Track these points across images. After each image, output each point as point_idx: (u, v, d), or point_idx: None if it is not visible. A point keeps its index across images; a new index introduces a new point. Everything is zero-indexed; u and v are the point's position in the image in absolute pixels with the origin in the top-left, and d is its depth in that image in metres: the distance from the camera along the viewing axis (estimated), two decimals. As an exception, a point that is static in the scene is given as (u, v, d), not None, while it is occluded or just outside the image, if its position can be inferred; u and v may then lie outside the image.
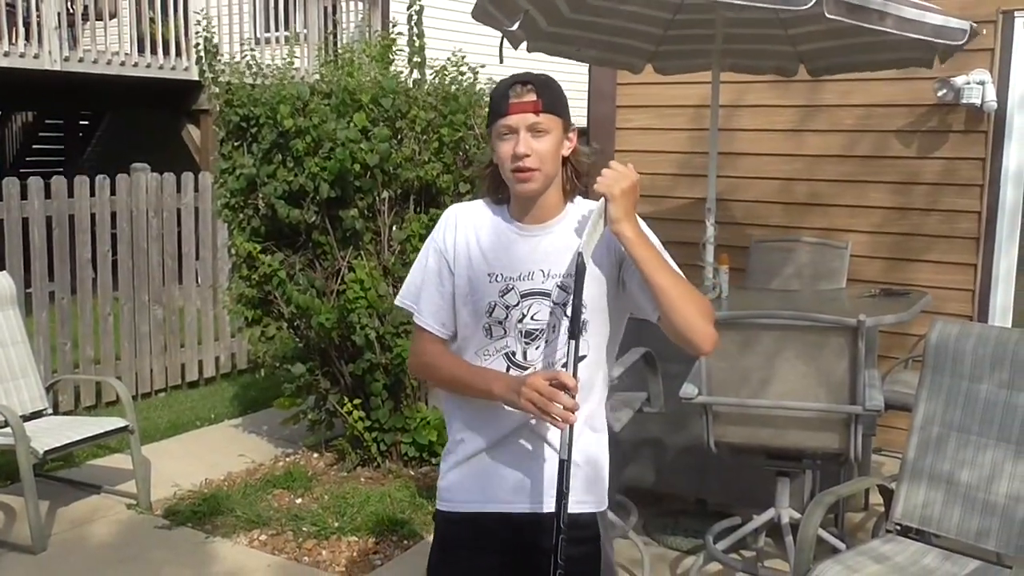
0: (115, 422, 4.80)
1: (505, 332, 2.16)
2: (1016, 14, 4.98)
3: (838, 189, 5.57)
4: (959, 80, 5.00)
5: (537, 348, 2.16)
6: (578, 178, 2.18)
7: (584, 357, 2.15)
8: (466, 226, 2.21)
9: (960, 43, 3.73)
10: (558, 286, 2.14)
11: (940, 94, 5.09)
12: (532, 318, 2.15)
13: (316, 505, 4.76)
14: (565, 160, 2.15)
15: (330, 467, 5.31)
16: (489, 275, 2.16)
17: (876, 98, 5.39)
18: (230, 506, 4.70)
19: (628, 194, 2.07)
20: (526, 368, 2.16)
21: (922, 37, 3.67)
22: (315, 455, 5.49)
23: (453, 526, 2.29)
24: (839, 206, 5.57)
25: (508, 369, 2.16)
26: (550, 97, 2.09)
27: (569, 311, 2.10)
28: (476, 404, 2.20)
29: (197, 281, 7.10)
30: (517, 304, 2.15)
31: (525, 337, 2.16)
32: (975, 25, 3.74)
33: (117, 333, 6.54)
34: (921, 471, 3.26)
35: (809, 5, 3.33)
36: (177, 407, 6.49)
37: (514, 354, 2.17)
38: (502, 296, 2.15)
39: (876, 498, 4.16)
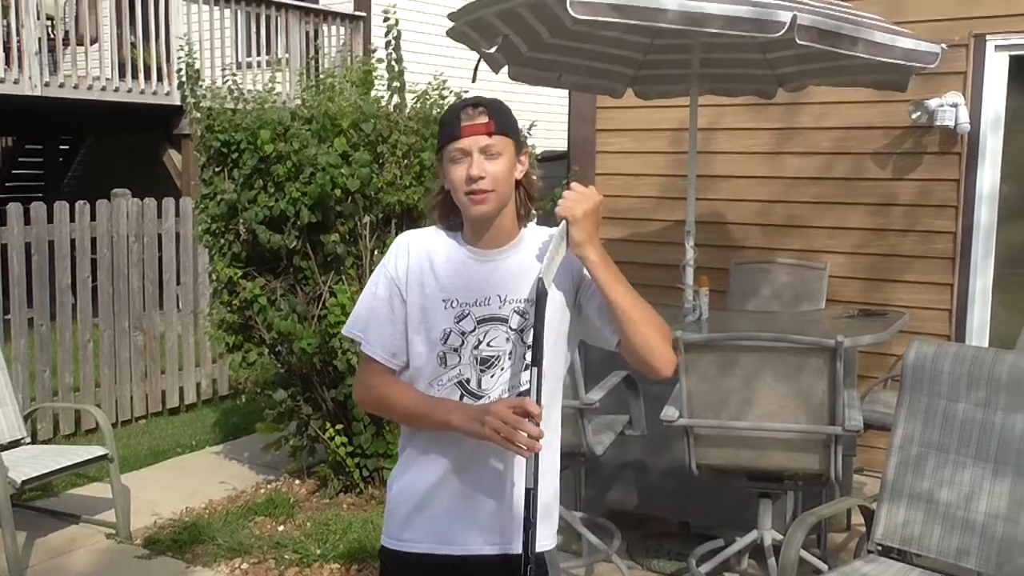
0: (94, 450, 4.76)
1: (460, 359, 2.10)
2: (988, 37, 5.06)
3: (816, 211, 5.62)
4: (933, 102, 5.07)
5: (492, 376, 2.11)
6: (531, 201, 2.15)
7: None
8: (419, 252, 2.15)
9: (932, 65, 3.79)
10: (515, 311, 2.10)
11: (914, 116, 5.16)
12: (488, 344, 2.10)
13: (298, 532, 4.73)
14: (518, 183, 2.12)
15: (312, 494, 5.28)
16: (444, 301, 2.11)
17: (852, 120, 5.46)
18: (211, 534, 4.67)
19: (591, 216, 2.04)
20: (480, 397, 2.11)
21: (893, 61, 3.72)
22: (297, 481, 5.46)
23: (404, 567, 2.22)
24: (817, 228, 5.62)
25: (462, 397, 2.11)
26: (502, 119, 2.07)
27: (526, 337, 2.08)
28: (431, 435, 2.13)
29: (178, 307, 7.08)
30: (473, 330, 2.10)
31: (480, 364, 2.11)
32: (945, 47, 3.80)
33: (97, 360, 6.50)
34: (901, 491, 3.27)
35: (781, 33, 3.38)
36: (158, 434, 6.45)
37: (468, 382, 2.11)
38: (457, 322, 2.10)
39: (858, 518, 4.17)
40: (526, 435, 1.94)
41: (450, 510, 2.14)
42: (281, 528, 4.80)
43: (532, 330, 2.03)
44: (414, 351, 2.14)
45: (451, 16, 4.15)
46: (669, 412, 3.70)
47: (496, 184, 2.04)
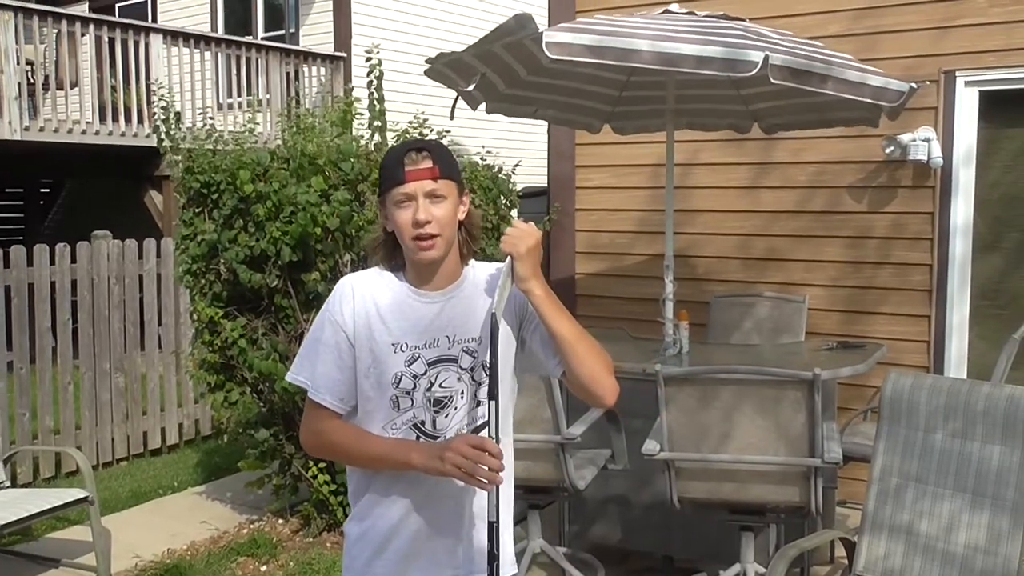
0: (74, 493, 4.72)
1: (413, 402, 2.11)
2: (957, 73, 5.15)
3: (794, 244, 5.68)
4: (905, 137, 5.15)
5: (447, 416, 2.13)
6: (473, 241, 2.17)
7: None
8: (364, 296, 2.13)
9: (898, 104, 3.86)
10: (464, 351, 2.12)
11: (888, 151, 5.23)
12: (440, 385, 2.12)
13: (281, 572, 4.70)
14: (460, 223, 2.13)
15: (295, 533, 5.25)
16: (393, 345, 2.10)
17: (827, 155, 5.53)
18: (192, 576, 4.64)
19: (533, 252, 2.07)
20: (436, 437, 2.12)
21: (862, 99, 3.79)
22: (280, 521, 5.42)
23: None
24: (795, 260, 5.67)
25: (417, 439, 2.12)
26: (445, 162, 2.08)
27: (477, 376, 2.11)
28: (389, 476, 2.13)
29: (160, 347, 7.06)
30: (424, 373, 2.11)
31: (434, 406, 2.12)
32: (915, 85, 3.87)
33: (77, 402, 6.47)
34: (881, 523, 3.29)
35: (753, 72, 3.44)
36: (139, 476, 6.40)
37: (423, 423, 2.12)
38: (408, 366, 2.10)
39: (841, 551, 4.18)
40: (487, 468, 1.96)
41: (411, 549, 2.15)
42: (264, 568, 4.77)
43: (488, 364, 2.06)
44: (364, 395, 2.13)
45: (428, 60, 4.21)
46: (650, 446, 3.72)
47: (442, 228, 2.06)
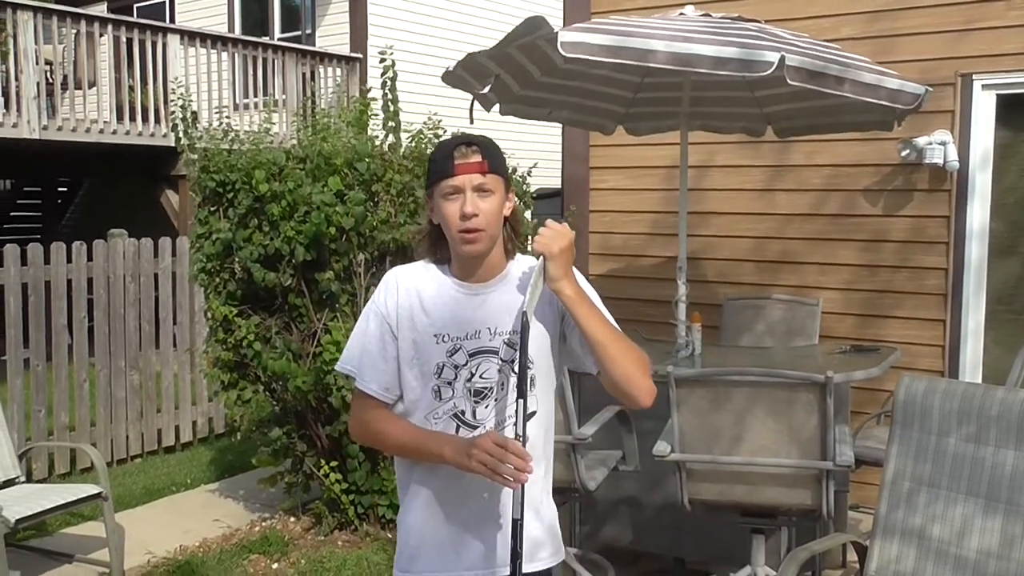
0: (88, 489, 4.75)
1: (454, 392, 2.16)
2: (974, 77, 5.12)
3: (808, 247, 5.66)
4: (921, 140, 5.13)
5: (487, 407, 2.17)
6: (517, 236, 2.22)
7: (534, 413, 2.18)
8: (408, 288, 2.19)
9: (913, 107, 3.85)
10: (505, 343, 2.16)
11: (903, 154, 5.21)
12: (481, 376, 2.16)
13: (292, 570, 4.71)
14: (505, 219, 2.18)
15: (307, 531, 5.27)
16: (435, 336, 2.15)
17: (842, 158, 5.51)
18: (205, 573, 4.66)
19: (566, 252, 2.11)
20: (476, 427, 2.16)
21: (878, 101, 3.78)
22: (292, 519, 5.44)
23: None
24: (810, 264, 5.66)
25: (458, 429, 2.16)
26: (494, 158, 2.12)
27: (516, 367, 2.13)
28: (427, 468, 2.19)
29: (174, 345, 7.09)
30: (465, 364, 2.15)
31: (474, 396, 2.16)
32: (930, 88, 3.86)
33: (93, 399, 6.51)
34: (893, 527, 3.27)
35: (769, 72, 3.43)
36: (153, 473, 6.44)
37: (463, 413, 2.17)
38: (450, 356, 2.15)
39: (853, 555, 4.16)
40: (511, 467, 1.99)
41: (453, 540, 2.20)
42: (275, 566, 4.78)
43: (518, 363, 2.09)
44: (408, 385, 2.18)
45: (446, 72, 4.25)
46: (661, 447, 3.71)
47: (488, 222, 2.10)
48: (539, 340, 2.16)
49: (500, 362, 2.16)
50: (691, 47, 3.52)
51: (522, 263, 2.23)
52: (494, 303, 2.17)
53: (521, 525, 2.03)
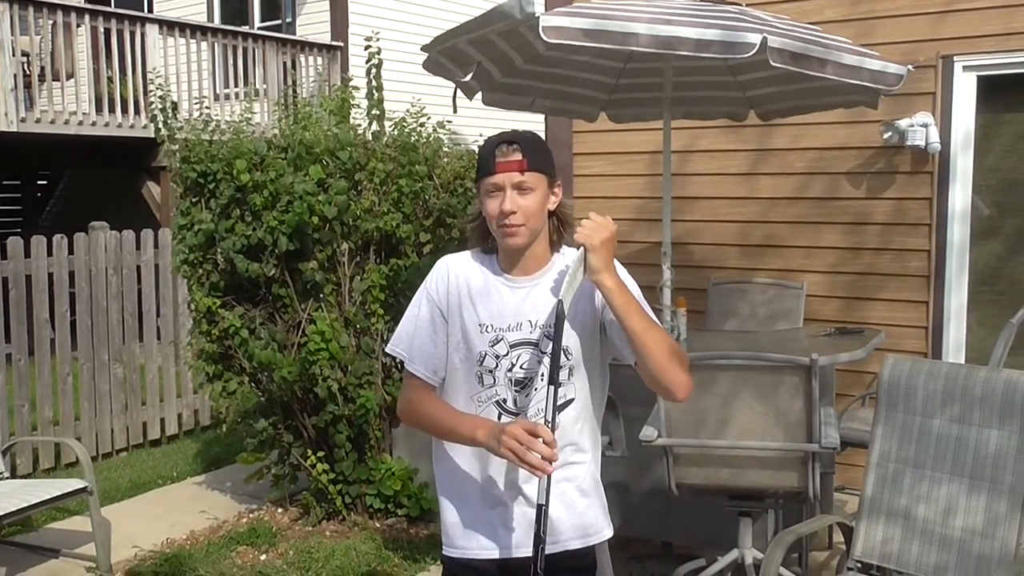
0: (73, 484, 4.72)
1: (495, 381, 2.25)
2: (955, 58, 5.13)
3: (792, 231, 5.67)
4: (903, 123, 5.14)
5: (527, 396, 2.24)
6: (564, 229, 2.27)
7: (571, 401, 2.24)
8: (457, 276, 2.28)
9: (896, 87, 3.85)
10: (545, 335, 2.22)
11: (885, 137, 5.22)
12: (521, 367, 2.23)
13: (281, 561, 4.71)
14: (551, 213, 2.25)
15: (295, 522, 5.26)
16: (480, 326, 2.24)
17: (825, 141, 5.52)
18: (192, 565, 4.64)
19: (607, 244, 2.15)
20: (517, 414, 2.24)
21: (861, 83, 3.78)
22: (279, 510, 5.43)
23: (455, 570, 2.37)
24: (794, 247, 5.67)
25: (500, 416, 2.24)
26: (535, 155, 2.20)
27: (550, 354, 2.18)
28: (466, 451, 2.27)
29: (158, 338, 7.05)
30: (507, 354, 2.23)
31: (515, 386, 2.24)
32: (911, 68, 3.86)
33: (76, 393, 6.47)
34: (879, 508, 3.29)
35: (751, 54, 3.43)
36: (138, 466, 6.41)
37: (505, 401, 2.24)
38: (492, 346, 2.23)
39: (840, 536, 4.18)
40: (538, 456, 2.04)
41: (489, 520, 2.29)
42: (264, 557, 4.77)
43: (570, 347, 2.19)
44: (452, 367, 2.29)
45: (425, 48, 4.19)
46: (648, 432, 3.72)
47: (527, 219, 2.18)
48: (579, 331, 2.23)
49: (540, 354, 2.23)
50: (673, 29, 3.51)
51: (567, 256, 2.29)
52: (537, 296, 2.24)
53: (546, 511, 2.09)
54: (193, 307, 5.27)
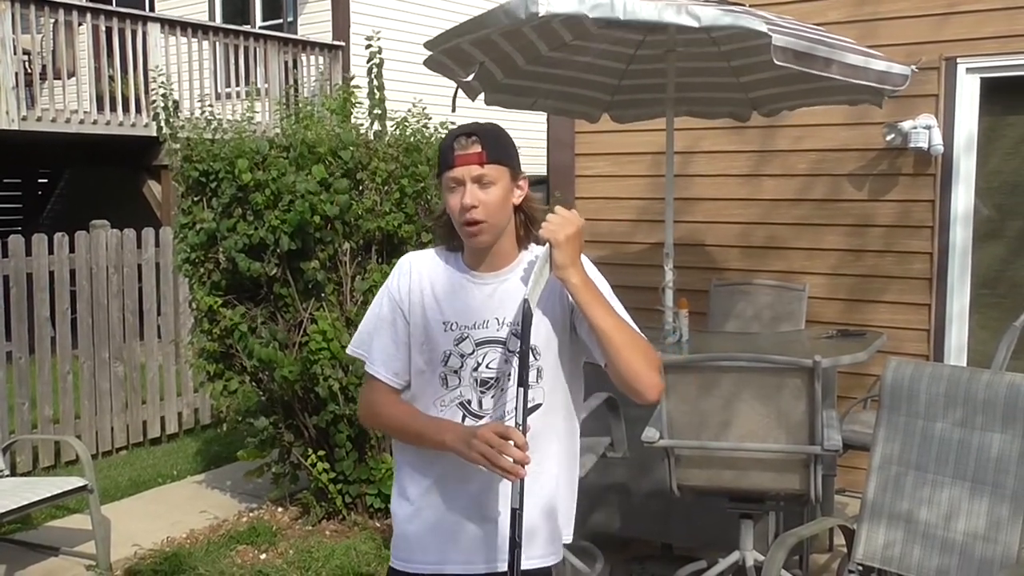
0: (73, 482, 4.71)
1: (460, 381, 2.15)
2: (959, 60, 5.13)
3: (795, 232, 5.67)
4: (906, 125, 5.13)
5: (493, 396, 2.15)
6: (531, 225, 2.18)
7: (539, 406, 2.14)
8: (420, 275, 2.20)
9: (902, 87, 3.85)
10: (513, 334, 2.14)
11: (888, 138, 5.21)
12: (487, 366, 2.15)
13: (281, 560, 4.70)
14: (517, 208, 2.15)
15: (295, 521, 5.25)
16: (443, 324, 2.15)
17: (828, 143, 5.51)
18: (192, 564, 4.63)
19: (573, 240, 2.07)
20: (481, 417, 2.15)
21: (866, 83, 3.77)
22: (279, 509, 5.43)
23: None
24: (796, 249, 5.66)
25: (464, 418, 2.15)
26: (495, 147, 2.10)
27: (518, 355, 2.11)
28: (429, 455, 2.17)
29: (159, 337, 7.05)
30: (472, 353, 2.15)
31: (480, 386, 2.16)
32: (915, 68, 3.86)
33: (77, 391, 6.46)
34: (881, 511, 3.28)
35: (759, 41, 3.40)
36: (138, 465, 6.40)
37: (470, 403, 2.16)
38: (457, 345, 2.14)
39: (840, 539, 4.17)
40: (510, 460, 1.96)
41: (452, 530, 2.18)
42: (263, 556, 4.77)
43: (519, 351, 2.07)
44: (416, 369, 2.19)
45: (427, 45, 4.17)
46: (649, 433, 3.71)
47: (489, 214, 2.08)
48: (546, 331, 2.14)
49: (507, 352, 2.15)
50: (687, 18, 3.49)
51: (535, 252, 2.21)
52: (503, 293, 2.16)
53: (521, 515, 2.01)
54: (194, 306, 5.27)
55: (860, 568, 3.26)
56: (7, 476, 4.88)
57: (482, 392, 2.15)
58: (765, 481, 3.71)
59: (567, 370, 2.21)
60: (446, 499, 2.18)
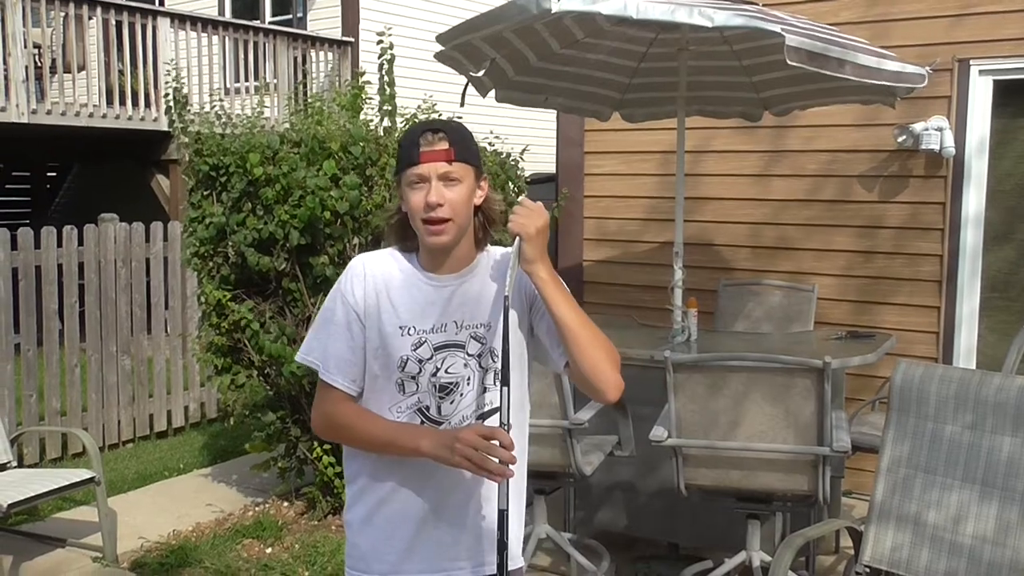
0: (81, 474, 4.72)
1: (418, 387, 2.08)
2: (972, 62, 5.11)
3: (804, 233, 5.65)
4: (918, 126, 5.11)
5: (452, 402, 2.09)
6: (490, 226, 2.13)
7: (496, 410, 2.05)
8: (375, 277, 2.10)
9: (920, 86, 3.83)
10: (472, 337, 2.09)
11: (900, 140, 5.20)
12: (446, 371, 2.08)
13: (286, 554, 4.70)
14: (477, 208, 2.09)
15: (300, 515, 5.26)
16: (400, 328, 2.07)
17: (839, 144, 5.50)
18: (198, 557, 4.64)
19: (542, 233, 2.02)
20: (440, 423, 2.09)
21: (881, 83, 3.76)
22: (285, 503, 5.43)
23: None
24: (806, 250, 5.65)
25: (421, 424, 2.08)
26: (463, 145, 2.03)
27: (484, 362, 2.08)
28: (388, 462, 2.10)
29: (166, 330, 7.05)
30: (430, 358, 2.07)
31: (439, 391, 2.09)
32: (930, 69, 3.85)
33: (84, 384, 6.47)
34: (889, 513, 3.27)
35: (772, 40, 3.39)
36: (145, 458, 6.41)
37: (428, 408, 2.09)
38: (415, 350, 2.07)
39: (847, 541, 4.17)
40: (497, 461, 1.91)
41: (416, 537, 2.12)
42: (269, 550, 4.77)
43: (500, 349, 2.02)
44: (371, 375, 2.10)
45: (439, 39, 4.16)
46: (658, 432, 3.70)
47: (454, 212, 2.02)
48: (513, 329, 2.08)
49: (467, 357, 2.09)
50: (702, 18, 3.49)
51: (493, 253, 2.15)
52: (463, 296, 2.09)
53: (507, 516, 1.95)
54: (203, 300, 5.27)
55: (867, 570, 3.25)
56: (14, 467, 4.89)
57: (440, 398, 2.09)
58: (773, 482, 3.70)
59: (522, 373, 2.16)
60: (404, 506, 2.11)
